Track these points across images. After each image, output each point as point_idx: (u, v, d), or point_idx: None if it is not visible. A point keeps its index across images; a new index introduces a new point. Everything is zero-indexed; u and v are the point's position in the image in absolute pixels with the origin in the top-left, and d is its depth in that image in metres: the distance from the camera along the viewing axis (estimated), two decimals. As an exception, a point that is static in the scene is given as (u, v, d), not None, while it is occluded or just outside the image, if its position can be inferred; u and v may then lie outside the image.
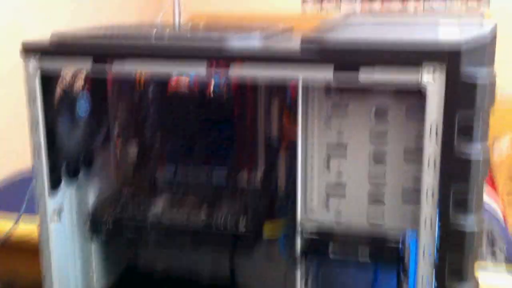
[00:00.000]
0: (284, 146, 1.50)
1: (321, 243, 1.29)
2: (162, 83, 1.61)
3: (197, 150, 1.61)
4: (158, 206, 1.52)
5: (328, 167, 1.29)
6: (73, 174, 1.52)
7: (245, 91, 1.52)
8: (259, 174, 1.56)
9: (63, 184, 1.47)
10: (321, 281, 1.39)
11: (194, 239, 1.46)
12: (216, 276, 1.67)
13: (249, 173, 1.56)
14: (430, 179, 1.12)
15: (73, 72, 1.48)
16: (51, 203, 1.41)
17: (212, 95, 1.55)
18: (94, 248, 1.57)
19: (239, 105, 1.53)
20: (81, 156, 1.54)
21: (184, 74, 1.54)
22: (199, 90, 1.56)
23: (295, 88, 1.29)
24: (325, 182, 1.30)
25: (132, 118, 1.65)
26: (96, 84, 1.56)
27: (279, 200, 1.53)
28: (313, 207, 1.32)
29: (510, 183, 3.83)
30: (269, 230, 1.45)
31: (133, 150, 1.66)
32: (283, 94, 1.47)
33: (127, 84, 1.64)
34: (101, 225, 1.50)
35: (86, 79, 1.53)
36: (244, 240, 1.43)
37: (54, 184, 1.44)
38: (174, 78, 1.59)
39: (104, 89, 1.61)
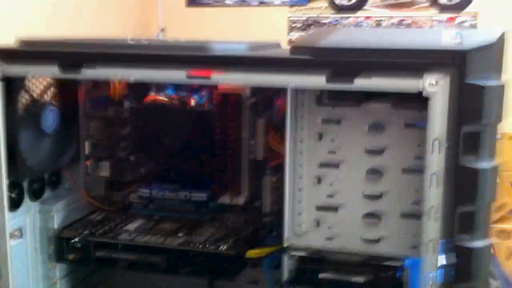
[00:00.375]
0: (270, 168, 1.40)
1: (311, 268, 1.19)
2: (138, 99, 1.50)
3: (175, 171, 1.51)
4: (131, 231, 1.40)
5: (319, 186, 1.20)
6: (37, 194, 1.40)
7: (228, 109, 1.42)
8: (243, 198, 1.45)
9: (25, 202, 1.35)
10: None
11: (170, 268, 1.34)
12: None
13: (232, 197, 1.46)
14: (433, 198, 1.03)
15: (41, 83, 1.37)
16: (11, 222, 1.28)
17: (192, 113, 1.45)
18: (59, 274, 1.44)
19: (222, 123, 1.43)
20: (47, 176, 1.43)
21: (162, 83, 1.45)
22: (179, 107, 1.46)
23: (283, 106, 1.21)
24: (315, 202, 1.20)
25: (104, 136, 1.53)
26: (65, 97, 1.45)
27: (264, 226, 1.42)
28: (302, 229, 1.22)
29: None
30: (252, 255, 1.33)
31: (105, 171, 1.54)
32: (269, 112, 1.38)
33: (100, 99, 1.53)
34: (68, 248, 1.37)
35: (55, 91, 1.42)
36: (226, 269, 1.32)
37: (16, 203, 1.32)
38: (151, 96, 1.48)
39: (75, 103, 1.49)
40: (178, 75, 1.12)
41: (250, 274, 1.45)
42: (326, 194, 1.19)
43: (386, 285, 1.15)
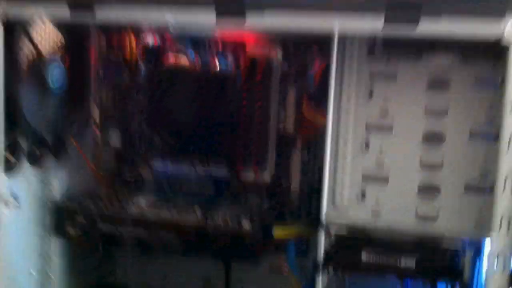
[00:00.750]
0: (302, 139, 1.27)
1: (352, 248, 1.05)
2: (155, 63, 1.36)
3: (193, 144, 1.36)
4: (142, 206, 1.26)
5: (366, 152, 1.07)
6: (38, 160, 1.26)
7: (257, 76, 1.29)
8: (269, 175, 1.31)
9: (24, 167, 1.22)
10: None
11: (184, 247, 1.20)
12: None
13: (256, 174, 1.32)
14: (509, 166, 0.87)
15: (48, 37, 1.22)
16: (5, 185, 1.16)
17: (216, 79, 1.32)
18: (57, 250, 1.30)
19: (249, 91, 1.30)
20: (50, 141, 1.29)
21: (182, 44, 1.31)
22: (200, 70, 1.32)
23: (321, 70, 1.13)
24: (361, 172, 1.07)
25: (116, 103, 1.40)
26: (74, 55, 1.30)
27: (292, 207, 1.29)
28: (344, 202, 1.08)
29: None
30: (279, 235, 1.18)
31: (115, 141, 1.41)
32: (303, 80, 1.25)
33: (114, 62, 1.38)
34: (69, 222, 1.24)
35: (63, 47, 1.27)
36: (247, 251, 1.18)
37: (13, 165, 1.18)
38: (170, 59, 1.34)
39: (85, 63, 1.36)
40: (206, 18, 0.96)
41: (272, 261, 1.32)
42: (374, 162, 1.06)
43: (442, 271, 1.01)
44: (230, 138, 1.33)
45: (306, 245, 1.25)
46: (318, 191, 1.11)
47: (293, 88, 1.27)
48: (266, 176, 1.31)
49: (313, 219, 1.11)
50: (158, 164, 1.37)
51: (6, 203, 1.17)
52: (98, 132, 1.41)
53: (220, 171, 1.33)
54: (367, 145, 1.06)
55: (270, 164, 1.31)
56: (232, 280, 1.36)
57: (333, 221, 1.06)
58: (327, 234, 1.05)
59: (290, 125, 1.28)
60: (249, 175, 1.32)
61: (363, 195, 1.07)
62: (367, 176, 1.06)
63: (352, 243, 1.05)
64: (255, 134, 1.31)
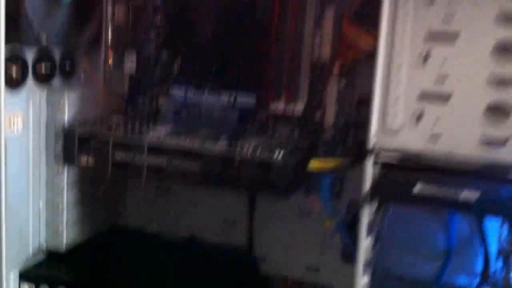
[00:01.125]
0: (340, 64, 1.13)
1: (404, 177, 0.92)
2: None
3: (216, 70, 1.24)
4: (160, 134, 1.14)
5: (425, 65, 0.92)
6: (44, 77, 1.15)
7: None
8: (301, 105, 1.18)
9: (30, 85, 1.11)
10: (397, 229, 1.00)
11: (207, 177, 1.07)
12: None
13: (287, 104, 1.19)
14: None
15: None
16: (8, 102, 1.04)
17: None
18: (67, 180, 1.18)
19: (280, 12, 1.17)
20: (58, 58, 1.18)
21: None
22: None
23: None
24: (418, 88, 0.93)
25: (131, 22, 1.27)
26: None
27: (326, 140, 1.16)
28: (396, 125, 0.95)
29: None
30: (316, 167, 1.05)
31: (130, 63, 1.27)
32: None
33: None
34: (81, 148, 1.13)
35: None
36: (276, 185, 1.04)
37: (16, 81, 1.06)
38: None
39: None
40: None
41: (303, 197, 1.19)
42: (433, 78, 0.92)
43: (509, 206, 0.86)
44: (258, 63, 1.20)
45: (341, 182, 1.13)
46: (360, 120, 0.98)
47: (331, 5, 1.13)
48: (298, 107, 1.19)
49: (356, 148, 0.99)
50: (178, 92, 1.25)
51: (10, 124, 1.06)
52: (111, 53, 1.28)
53: (247, 100, 1.21)
54: (426, 58, 0.92)
55: (303, 93, 1.18)
56: (257, 218, 1.25)
57: (382, 145, 0.94)
58: (375, 161, 0.92)
59: (326, 51, 1.15)
60: (279, 106, 1.19)
61: (420, 117, 0.94)
62: (425, 93, 0.92)
63: (404, 172, 0.92)
64: (287, 59, 1.18)
